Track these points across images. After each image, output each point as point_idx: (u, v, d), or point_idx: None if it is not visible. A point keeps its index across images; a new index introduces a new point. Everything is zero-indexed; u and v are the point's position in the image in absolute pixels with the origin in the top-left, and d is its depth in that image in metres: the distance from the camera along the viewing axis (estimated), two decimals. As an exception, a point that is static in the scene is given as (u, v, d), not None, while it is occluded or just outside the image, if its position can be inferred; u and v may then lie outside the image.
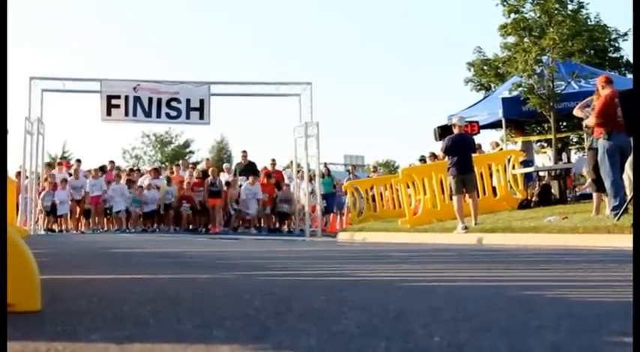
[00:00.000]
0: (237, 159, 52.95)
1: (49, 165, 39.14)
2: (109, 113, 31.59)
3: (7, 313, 3.63)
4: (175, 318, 3.93)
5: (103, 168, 37.90)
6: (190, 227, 38.61)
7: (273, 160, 39.62)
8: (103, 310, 4.37)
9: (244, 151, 39.25)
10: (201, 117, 32.52)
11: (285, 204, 36.23)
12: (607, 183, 18.42)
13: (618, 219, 17.40)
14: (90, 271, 8.20)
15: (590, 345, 2.99)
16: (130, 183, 37.28)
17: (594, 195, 20.95)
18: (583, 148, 29.30)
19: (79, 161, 39.01)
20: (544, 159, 33.52)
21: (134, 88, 31.75)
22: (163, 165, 58.89)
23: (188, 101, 32.24)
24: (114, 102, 31.58)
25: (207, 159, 42.96)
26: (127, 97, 31.60)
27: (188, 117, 32.71)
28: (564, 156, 33.95)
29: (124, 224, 37.53)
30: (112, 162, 40.89)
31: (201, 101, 32.36)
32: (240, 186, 36.83)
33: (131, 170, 44.45)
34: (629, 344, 3.02)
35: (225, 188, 38.04)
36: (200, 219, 38.55)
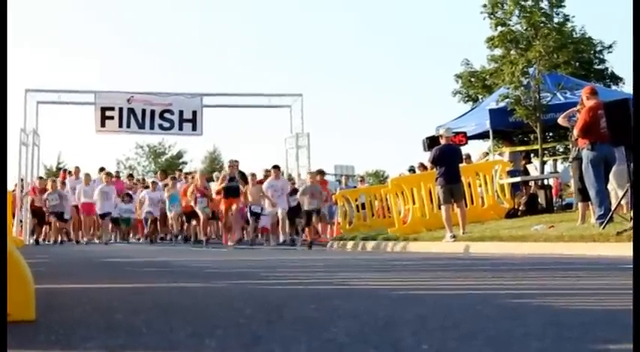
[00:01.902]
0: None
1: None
2: (103, 124, 31.85)
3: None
4: (168, 327, 3.93)
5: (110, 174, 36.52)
6: (193, 236, 34.25)
7: (267, 171, 34.77)
8: (97, 319, 4.37)
9: (235, 161, 32.79)
10: (194, 128, 32.80)
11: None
12: (592, 193, 18.53)
13: (604, 228, 17.50)
14: (84, 280, 8.20)
15: (574, 350, 3.00)
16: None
17: (580, 204, 21.00)
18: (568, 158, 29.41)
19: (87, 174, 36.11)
20: (530, 169, 33.58)
21: (128, 100, 32.01)
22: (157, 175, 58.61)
23: (181, 112, 32.50)
24: (108, 113, 31.87)
25: (202, 173, 36.60)
26: (120, 109, 31.86)
27: (181, 128, 33.03)
28: (550, 165, 34.00)
29: (141, 232, 36.77)
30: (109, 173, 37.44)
31: (194, 112, 32.63)
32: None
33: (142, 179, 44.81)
34: (613, 350, 3.03)
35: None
36: (215, 226, 35.48)
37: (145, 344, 3.09)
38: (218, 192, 31.86)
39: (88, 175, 35.36)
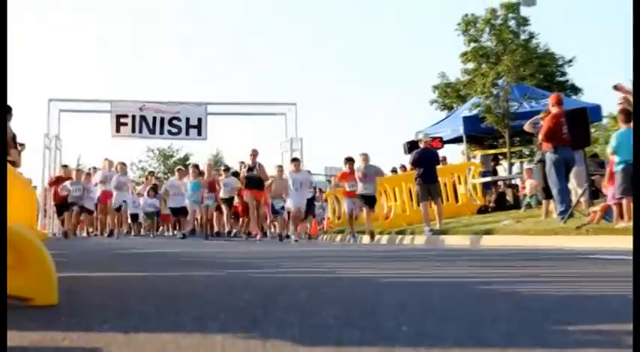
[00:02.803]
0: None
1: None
2: (118, 130, 32.12)
3: (28, 306, 3.63)
4: (175, 311, 3.92)
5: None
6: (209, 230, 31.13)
7: (279, 166, 31.94)
8: (112, 304, 4.35)
9: (255, 150, 29.44)
10: (199, 133, 33.05)
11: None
12: (554, 191, 18.73)
13: (565, 222, 17.64)
14: (102, 270, 8.17)
15: (538, 333, 2.99)
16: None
17: (543, 201, 21.17)
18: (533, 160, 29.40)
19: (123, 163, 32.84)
20: (499, 170, 33.69)
21: (140, 108, 32.37)
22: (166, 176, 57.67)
23: (188, 119, 32.86)
24: (122, 120, 32.27)
25: (209, 165, 33.01)
26: (133, 116, 32.23)
27: (187, 133, 33.36)
28: (517, 167, 34.06)
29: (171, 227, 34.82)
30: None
31: (199, 119, 32.98)
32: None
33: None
34: (572, 332, 3.03)
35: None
36: (241, 220, 31.25)
37: (154, 327, 3.07)
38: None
39: (110, 162, 31.97)
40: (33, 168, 32.16)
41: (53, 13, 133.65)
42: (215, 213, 31.71)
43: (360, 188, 24.91)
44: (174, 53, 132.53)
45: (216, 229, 31.73)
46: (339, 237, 27.13)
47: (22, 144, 18.82)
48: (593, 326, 3.25)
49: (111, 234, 30.75)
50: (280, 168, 30.16)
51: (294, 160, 29.92)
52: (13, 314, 3.46)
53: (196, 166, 31.46)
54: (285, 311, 3.85)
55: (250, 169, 28.89)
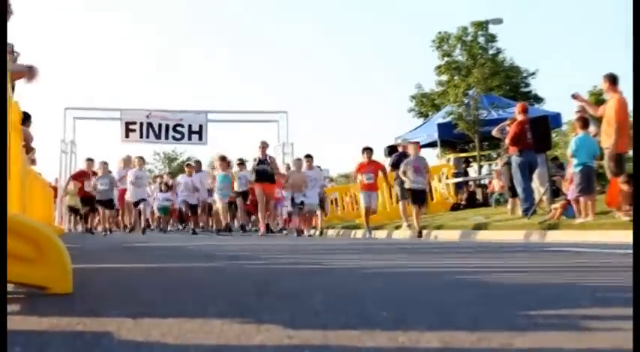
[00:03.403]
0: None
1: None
2: (127, 136, 32.12)
3: (46, 294, 3.62)
4: (178, 298, 3.92)
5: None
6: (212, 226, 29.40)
7: (287, 165, 30.44)
8: (122, 292, 4.35)
9: (265, 142, 27.16)
10: (200, 138, 33.13)
11: None
12: (519, 190, 18.92)
13: (529, 218, 17.75)
14: (113, 261, 8.16)
15: (503, 317, 3.00)
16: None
17: (509, 199, 21.27)
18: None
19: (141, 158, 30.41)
20: (470, 171, 33.82)
21: (147, 116, 32.54)
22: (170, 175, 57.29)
23: (190, 126, 33.07)
24: (131, 127, 32.41)
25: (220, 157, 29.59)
26: (141, 123, 32.41)
27: (190, 138, 33.53)
28: (486, 168, 34.15)
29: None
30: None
31: (200, 126, 33.16)
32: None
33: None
34: (535, 316, 3.03)
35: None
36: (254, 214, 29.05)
37: (159, 312, 3.07)
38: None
39: (126, 159, 29.79)
40: (50, 170, 32.46)
41: (68, 31, 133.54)
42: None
43: (409, 182, 20.95)
44: (178, 67, 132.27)
45: (224, 223, 28.28)
46: (353, 232, 25.04)
47: (32, 148, 18.83)
48: (554, 311, 3.26)
49: (132, 229, 28.85)
50: (299, 162, 26.82)
51: (308, 156, 26.98)
52: (32, 301, 3.46)
53: (224, 158, 28.28)
54: (277, 298, 3.85)
55: (261, 162, 26.20)
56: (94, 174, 28.60)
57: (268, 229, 26.57)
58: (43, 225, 5.25)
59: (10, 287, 3.73)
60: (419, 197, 21.17)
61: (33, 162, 17.66)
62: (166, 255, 9.79)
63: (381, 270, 6.45)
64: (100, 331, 2.54)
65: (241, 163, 28.99)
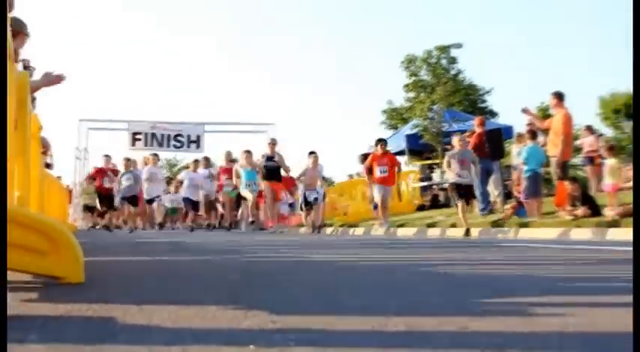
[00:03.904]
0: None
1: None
2: (133, 144, 32.11)
3: (60, 284, 3.61)
4: (177, 288, 3.91)
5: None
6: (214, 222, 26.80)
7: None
8: (128, 282, 4.33)
9: (273, 139, 24.93)
10: (198, 147, 33.21)
11: None
12: (477, 193, 19.00)
13: (485, 216, 17.92)
14: (120, 255, 8.13)
15: (462, 304, 3.00)
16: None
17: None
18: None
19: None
20: (434, 176, 33.98)
21: (151, 127, 32.83)
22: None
23: (189, 136, 33.34)
24: (137, 136, 32.59)
25: (228, 154, 27.20)
26: (146, 133, 32.61)
27: (189, 147, 33.72)
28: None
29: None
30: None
31: (198, 136, 33.43)
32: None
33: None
34: (488, 303, 3.04)
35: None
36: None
37: (160, 300, 3.06)
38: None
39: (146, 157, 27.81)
40: (66, 175, 32.62)
41: (83, 47, 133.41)
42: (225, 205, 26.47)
43: (452, 175, 18.13)
44: (179, 84, 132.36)
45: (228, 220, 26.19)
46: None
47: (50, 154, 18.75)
48: (506, 299, 3.27)
49: (147, 226, 26.53)
50: (315, 157, 24.00)
51: (311, 153, 24.21)
52: (48, 290, 3.44)
53: (248, 152, 23.99)
54: (263, 288, 3.84)
55: (269, 159, 23.46)
56: (113, 171, 26.72)
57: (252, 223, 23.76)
58: (59, 222, 5.24)
59: (28, 277, 3.73)
60: (464, 192, 18.15)
61: (50, 166, 17.65)
62: (169, 249, 9.75)
63: (354, 263, 6.45)
64: (108, 316, 2.53)
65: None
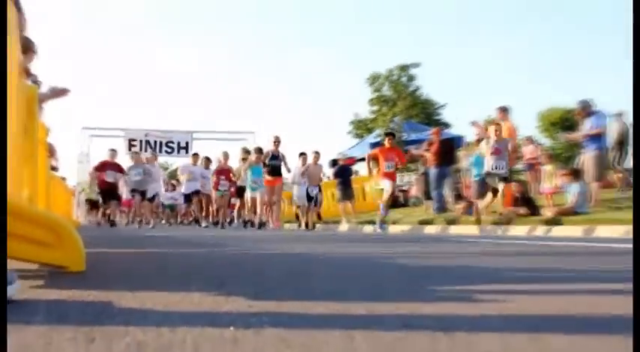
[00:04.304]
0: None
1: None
2: (129, 149, 32.03)
3: (64, 272, 3.60)
4: (167, 276, 3.91)
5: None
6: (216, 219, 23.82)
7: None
8: (125, 271, 4.32)
9: (277, 137, 21.84)
10: (187, 152, 33.32)
11: None
12: (433, 194, 19.23)
13: (438, 215, 18.06)
14: (118, 247, 8.09)
15: (416, 291, 3.02)
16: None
17: (424, 201, 21.62)
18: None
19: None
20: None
21: (145, 135, 33.05)
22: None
23: (179, 143, 33.61)
24: (133, 143, 32.83)
25: (225, 155, 24.63)
26: (141, 140, 32.84)
27: (178, 152, 34.00)
28: (407, 177, 34.33)
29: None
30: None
31: (187, 143, 33.70)
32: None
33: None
34: (440, 290, 3.06)
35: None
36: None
37: (152, 287, 3.06)
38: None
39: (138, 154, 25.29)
40: (70, 176, 32.82)
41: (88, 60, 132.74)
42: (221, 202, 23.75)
43: (489, 166, 15.96)
44: (169, 94, 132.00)
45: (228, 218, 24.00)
46: (287, 225, 24.16)
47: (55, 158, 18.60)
48: (455, 286, 3.29)
49: (147, 223, 22.68)
50: (317, 155, 22.61)
51: (316, 152, 22.70)
52: (53, 277, 3.43)
53: (260, 150, 21.58)
54: (245, 276, 3.85)
55: (273, 157, 21.26)
56: (117, 166, 23.48)
57: (260, 225, 21.12)
58: (63, 218, 5.23)
59: (35, 266, 3.71)
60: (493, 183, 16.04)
61: (55, 168, 17.56)
62: (163, 242, 9.71)
63: (325, 256, 6.46)
64: (106, 301, 2.53)
65: (245, 159, 23.05)
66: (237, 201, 24.39)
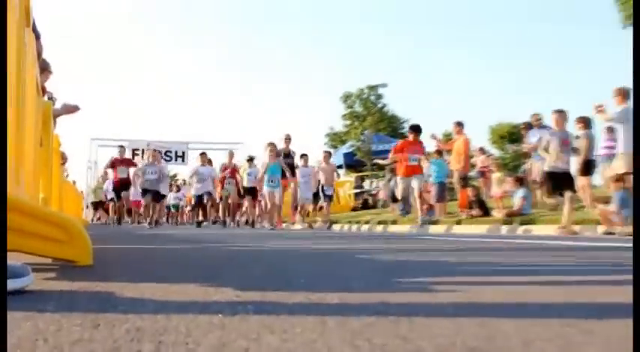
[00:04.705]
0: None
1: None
2: (133, 158, 32.06)
3: (73, 266, 3.57)
4: (164, 269, 3.89)
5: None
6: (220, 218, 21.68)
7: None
8: (128, 265, 4.30)
9: (289, 135, 20.26)
10: (183, 161, 33.61)
11: None
12: (400, 198, 19.28)
13: (404, 216, 18.10)
14: (124, 243, 8.04)
15: (383, 283, 3.03)
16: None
17: (390, 204, 21.62)
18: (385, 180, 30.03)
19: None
20: (365, 185, 34.20)
21: (147, 144, 33.22)
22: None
23: (176, 152, 34.19)
24: (136, 152, 33.49)
25: (230, 152, 23.15)
26: (143, 150, 32.96)
27: (176, 160, 34.51)
28: (375, 183, 34.55)
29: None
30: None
31: (183, 152, 34.16)
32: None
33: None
34: (403, 282, 3.07)
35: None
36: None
37: (151, 279, 3.04)
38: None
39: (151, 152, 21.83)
40: (79, 182, 32.86)
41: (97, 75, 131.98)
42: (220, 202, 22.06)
43: (548, 161, 12.64)
44: (168, 108, 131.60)
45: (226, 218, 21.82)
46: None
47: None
48: (417, 279, 3.31)
49: (156, 223, 19.83)
50: (327, 154, 20.84)
51: (326, 152, 21.05)
52: (64, 270, 3.40)
53: (273, 145, 18.92)
54: (233, 269, 3.84)
55: (287, 156, 19.25)
56: (129, 162, 22.15)
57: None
58: (73, 218, 5.22)
59: (48, 260, 3.69)
60: (558, 183, 12.42)
61: (67, 174, 17.49)
62: (163, 239, 9.66)
63: (305, 251, 6.45)
64: (110, 291, 2.52)
65: (250, 160, 22.08)
66: (242, 201, 22.47)
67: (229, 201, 21.90)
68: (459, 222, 16.18)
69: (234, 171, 21.97)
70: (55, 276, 3.18)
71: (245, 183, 21.32)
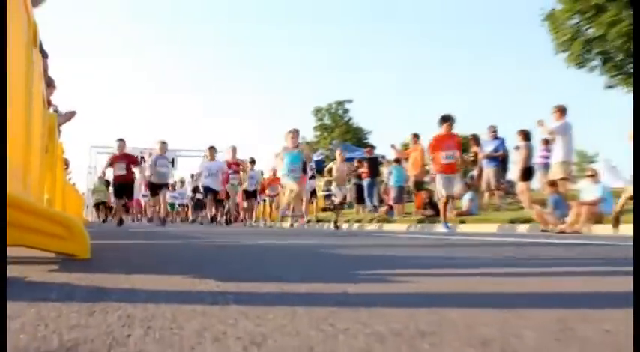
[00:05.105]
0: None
1: None
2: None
3: (73, 259, 3.54)
4: (154, 262, 3.86)
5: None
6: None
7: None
8: (123, 258, 4.25)
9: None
10: (172, 166, 33.27)
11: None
12: (367, 200, 19.49)
13: (371, 215, 18.15)
14: (121, 239, 7.97)
15: (347, 275, 3.03)
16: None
17: (355, 205, 21.77)
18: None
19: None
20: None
21: (140, 152, 32.93)
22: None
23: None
24: None
25: (233, 147, 19.71)
26: (136, 156, 32.68)
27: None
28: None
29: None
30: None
31: (173, 159, 34.07)
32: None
33: None
34: (365, 274, 3.08)
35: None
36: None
37: (143, 271, 3.02)
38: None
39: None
40: (80, 185, 32.80)
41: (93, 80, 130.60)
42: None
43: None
44: (160, 118, 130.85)
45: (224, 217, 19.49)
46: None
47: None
48: (378, 271, 3.32)
49: (163, 221, 16.64)
50: (342, 154, 18.63)
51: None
52: (65, 263, 3.36)
53: (295, 131, 14.91)
54: (217, 264, 3.82)
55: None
56: (128, 158, 17.31)
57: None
58: (75, 216, 5.17)
59: (51, 254, 3.65)
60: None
61: (69, 178, 17.31)
62: (158, 235, 9.58)
63: (281, 246, 6.44)
64: (105, 282, 2.50)
65: (252, 162, 20.48)
66: (244, 203, 20.41)
67: (232, 196, 19.50)
68: (421, 222, 16.29)
69: (237, 165, 19.23)
70: (58, 268, 3.15)
71: (246, 187, 19.95)
